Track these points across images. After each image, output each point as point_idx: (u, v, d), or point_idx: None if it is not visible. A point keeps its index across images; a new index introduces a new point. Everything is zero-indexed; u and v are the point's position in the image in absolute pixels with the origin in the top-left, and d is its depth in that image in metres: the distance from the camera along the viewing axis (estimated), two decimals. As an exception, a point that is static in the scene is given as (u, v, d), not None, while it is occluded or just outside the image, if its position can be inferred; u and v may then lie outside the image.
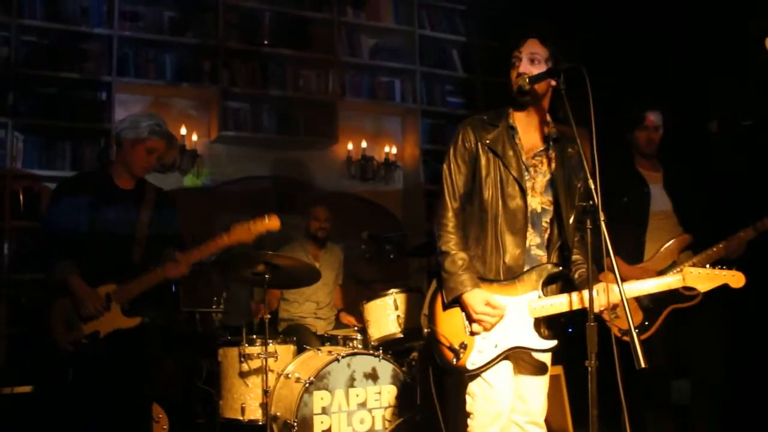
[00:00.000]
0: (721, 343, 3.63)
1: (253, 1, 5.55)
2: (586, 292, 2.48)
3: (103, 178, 3.44)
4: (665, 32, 4.85)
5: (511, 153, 2.70)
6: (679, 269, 3.41)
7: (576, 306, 2.57)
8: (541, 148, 2.76)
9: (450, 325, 2.69)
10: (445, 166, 2.77)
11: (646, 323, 3.59)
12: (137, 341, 3.35)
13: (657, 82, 4.69)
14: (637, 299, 3.56)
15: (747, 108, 4.30)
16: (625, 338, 3.46)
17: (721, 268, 2.63)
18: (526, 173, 2.71)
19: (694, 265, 3.41)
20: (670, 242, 3.65)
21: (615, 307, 2.50)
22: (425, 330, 2.76)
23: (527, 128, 2.77)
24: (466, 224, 2.73)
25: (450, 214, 2.71)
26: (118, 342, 3.30)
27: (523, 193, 2.68)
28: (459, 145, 2.76)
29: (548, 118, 2.80)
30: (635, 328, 3.45)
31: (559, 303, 2.61)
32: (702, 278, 2.62)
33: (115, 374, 3.27)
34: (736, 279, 2.64)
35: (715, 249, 3.54)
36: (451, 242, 2.68)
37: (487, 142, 2.72)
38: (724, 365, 3.60)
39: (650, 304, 3.59)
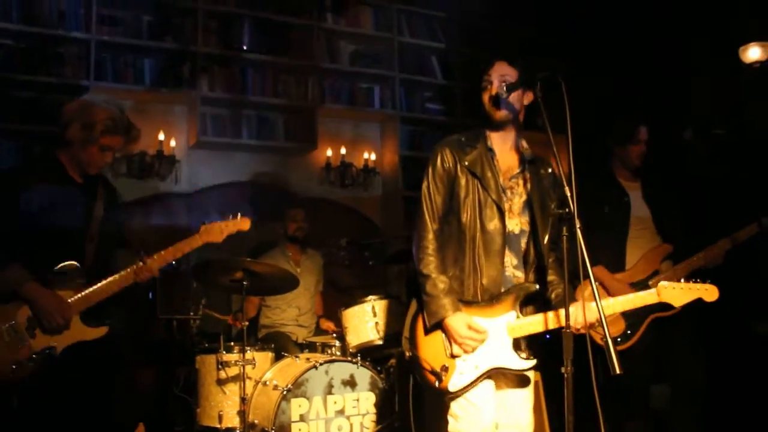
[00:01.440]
0: (702, 350, 3.67)
1: (232, 6, 5.52)
2: (560, 312, 2.51)
3: (54, 168, 3.03)
4: (642, 39, 4.91)
5: (489, 175, 2.73)
6: (654, 281, 3.47)
7: (553, 325, 2.60)
8: (518, 171, 2.79)
9: (431, 348, 2.71)
10: (424, 187, 2.79)
11: (629, 332, 3.61)
12: (105, 354, 2.98)
13: (633, 89, 4.74)
14: None
15: (722, 116, 4.36)
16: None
17: (696, 281, 2.67)
18: (503, 195, 2.73)
19: (675, 274, 3.47)
20: (652, 250, 3.68)
21: (592, 326, 2.52)
22: (407, 353, 2.78)
23: (503, 150, 2.81)
24: (444, 245, 2.75)
25: (430, 236, 2.73)
26: (81, 356, 2.89)
27: (501, 214, 2.70)
28: (438, 166, 2.78)
29: (523, 141, 2.83)
30: (618, 337, 3.52)
31: (537, 322, 2.64)
32: (676, 293, 2.65)
33: (78, 396, 2.88)
34: (709, 293, 2.68)
35: (695, 258, 3.58)
36: (431, 265, 2.70)
37: (466, 163, 2.75)
38: (705, 371, 3.63)
39: (632, 313, 3.61)
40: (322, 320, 5.09)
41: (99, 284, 2.97)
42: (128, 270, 3.05)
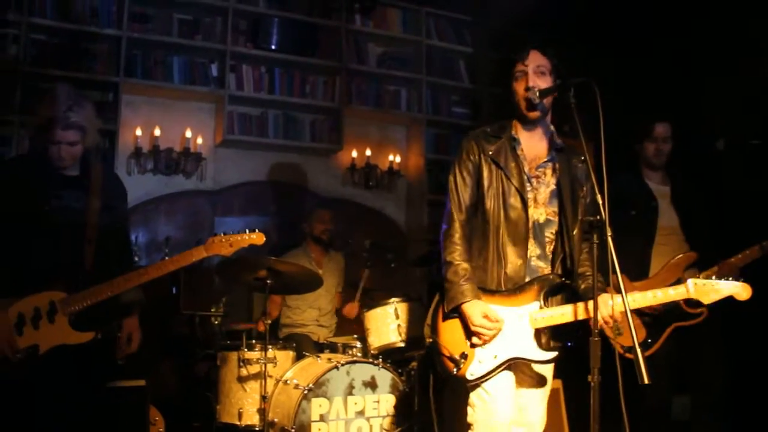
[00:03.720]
0: (722, 360, 3.62)
1: (262, 6, 5.57)
2: (588, 303, 2.48)
3: (43, 162, 2.92)
4: (676, 47, 4.86)
5: (513, 164, 2.73)
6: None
7: (579, 317, 2.57)
8: (545, 159, 2.77)
9: (451, 334, 2.70)
10: (451, 179, 2.80)
11: (649, 340, 3.57)
12: (86, 360, 2.83)
13: (666, 96, 4.69)
14: (640, 316, 3.55)
15: (757, 127, 4.30)
16: (628, 355, 3.46)
17: (727, 279, 2.60)
18: (528, 184, 2.72)
19: (690, 276, 3.41)
20: (676, 258, 3.61)
21: (615, 324, 2.50)
22: (428, 339, 2.78)
23: (531, 139, 2.79)
24: (470, 235, 2.75)
25: (456, 224, 2.74)
26: (61, 360, 2.78)
27: (524, 203, 2.69)
28: (463, 158, 2.80)
29: (552, 128, 2.81)
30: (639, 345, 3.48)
31: (560, 314, 2.62)
32: (707, 290, 2.59)
33: (53, 401, 2.76)
34: (742, 290, 2.59)
35: (723, 266, 3.51)
36: (455, 252, 2.70)
37: (490, 153, 2.75)
38: (725, 382, 3.59)
39: (653, 322, 3.58)
40: (345, 306, 5.03)
41: (90, 289, 2.85)
42: (120, 278, 2.88)
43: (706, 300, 2.60)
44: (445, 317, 2.72)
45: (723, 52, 4.55)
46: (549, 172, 2.77)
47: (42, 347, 2.78)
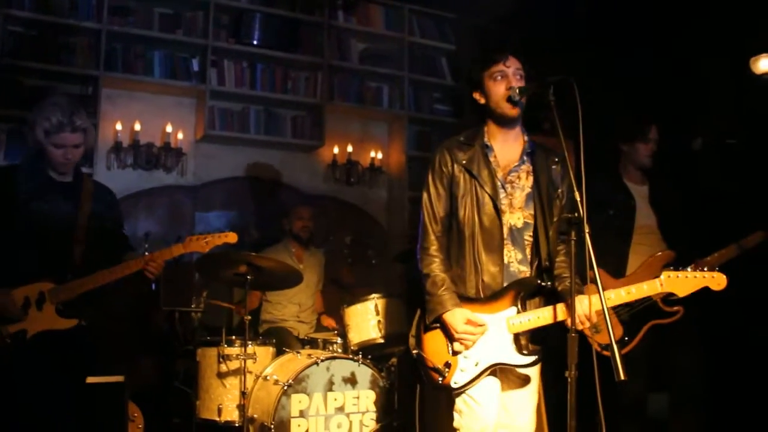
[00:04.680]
0: (700, 357, 3.65)
1: (244, 1, 5.53)
2: (563, 306, 2.51)
3: (37, 169, 3.11)
4: (653, 47, 4.90)
5: (485, 172, 2.74)
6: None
7: (557, 318, 2.59)
8: (517, 163, 2.78)
9: (434, 345, 2.73)
10: (425, 192, 2.82)
11: (626, 338, 3.59)
12: (70, 345, 3.04)
13: (644, 96, 4.73)
14: (617, 314, 3.57)
15: (733, 126, 4.35)
16: (605, 353, 3.48)
17: (702, 270, 2.59)
18: (502, 191, 2.74)
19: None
20: (653, 257, 3.63)
21: (594, 326, 2.51)
22: (414, 351, 2.79)
23: (505, 143, 2.81)
24: (447, 246, 2.78)
25: (432, 237, 2.76)
26: (47, 344, 2.98)
27: (498, 211, 2.70)
28: (437, 169, 2.82)
29: (522, 131, 2.83)
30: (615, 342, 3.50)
31: (537, 317, 2.63)
32: (681, 282, 2.57)
33: (39, 382, 2.94)
34: (716, 281, 2.58)
35: (698, 264, 3.52)
36: (432, 264, 2.73)
37: (463, 162, 2.77)
38: (704, 378, 3.61)
39: (630, 320, 3.59)
40: (324, 317, 5.09)
41: (77, 281, 3.04)
42: (105, 271, 3.07)
43: (681, 292, 2.59)
44: (427, 329, 2.74)
45: (700, 51, 4.59)
46: (524, 175, 2.78)
47: (30, 332, 2.98)
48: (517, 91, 2.66)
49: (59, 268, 3.05)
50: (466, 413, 2.68)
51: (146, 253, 3.14)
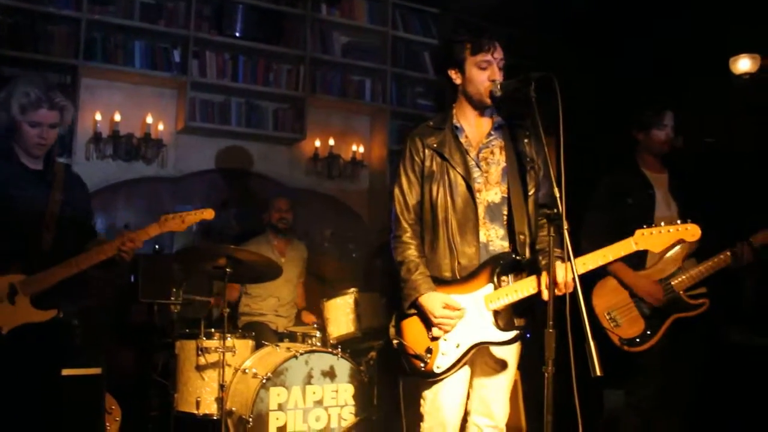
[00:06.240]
0: (700, 353, 3.63)
1: (226, -8, 5.50)
2: (542, 276, 2.51)
3: (8, 156, 2.97)
4: (637, 43, 4.93)
5: (457, 154, 2.75)
6: (677, 281, 3.43)
7: (533, 290, 2.55)
8: (488, 139, 2.78)
9: (413, 332, 2.72)
10: (396, 183, 2.84)
11: (648, 332, 3.48)
12: (46, 337, 2.93)
13: (625, 92, 4.76)
14: (638, 308, 3.50)
15: (712, 126, 4.38)
16: (626, 348, 3.48)
17: (675, 224, 2.55)
18: (476, 169, 2.74)
19: (699, 273, 3.40)
20: (676, 248, 3.44)
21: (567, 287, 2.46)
22: (394, 342, 2.77)
23: (473, 123, 2.81)
24: (421, 232, 2.78)
25: (404, 224, 2.77)
26: (26, 339, 2.85)
27: (471, 191, 2.70)
28: (407, 157, 2.83)
29: (493, 111, 2.83)
30: (636, 338, 3.48)
31: (514, 291, 2.60)
32: (654, 239, 2.53)
33: (14, 375, 2.83)
34: (690, 232, 2.54)
35: (722, 257, 3.41)
36: (406, 251, 2.73)
37: (434, 146, 2.77)
38: (691, 378, 3.60)
39: (653, 314, 3.49)
40: (304, 313, 5.08)
41: (49, 270, 2.91)
42: (81, 256, 2.95)
43: (656, 248, 2.56)
44: (405, 316, 2.72)
45: (684, 50, 4.63)
46: (497, 150, 2.77)
47: (5, 328, 2.84)
48: (499, 87, 2.66)
49: (27, 256, 2.91)
50: (429, 399, 2.72)
51: (104, 245, 2.99)
